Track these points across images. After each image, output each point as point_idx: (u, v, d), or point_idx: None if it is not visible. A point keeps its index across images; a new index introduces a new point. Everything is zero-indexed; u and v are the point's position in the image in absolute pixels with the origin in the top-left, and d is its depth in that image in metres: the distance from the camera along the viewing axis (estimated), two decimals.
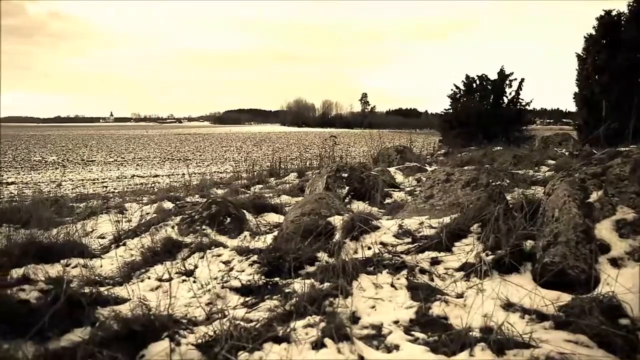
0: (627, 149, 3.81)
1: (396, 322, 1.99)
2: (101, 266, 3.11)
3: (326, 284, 2.24)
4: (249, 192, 6.60)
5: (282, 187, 6.94)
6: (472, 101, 17.21)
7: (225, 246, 3.23)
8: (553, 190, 2.71)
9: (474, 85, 17.51)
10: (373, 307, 2.12)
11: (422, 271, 2.47)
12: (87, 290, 2.23)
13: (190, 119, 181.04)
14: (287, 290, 2.31)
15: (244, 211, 4.15)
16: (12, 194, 9.10)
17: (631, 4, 12.35)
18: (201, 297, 2.36)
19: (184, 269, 2.87)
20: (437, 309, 2.08)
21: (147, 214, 4.75)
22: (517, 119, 16.83)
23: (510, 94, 17.03)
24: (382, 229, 3.01)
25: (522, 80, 16.90)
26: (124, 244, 3.64)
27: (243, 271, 2.66)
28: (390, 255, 2.63)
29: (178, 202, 5.15)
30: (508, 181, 4.78)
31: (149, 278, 2.80)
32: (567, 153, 8.96)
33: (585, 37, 13.26)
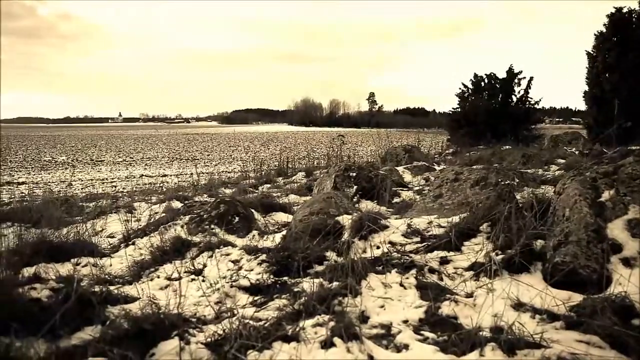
0: (639, 147, 3.77)
1: (405, 322, 1.99)
2: (111, 265, 3.13)
3: (335, 283, 2.24)
4: (257, 191, 6.61)
5: (290, 187, 6.95)
6: (481, 100, 17.10)
7: (234, 245, 3.24)
8: (564, 189, 2.69)
9: (483, 84, 17.40)
10: (382, 306, 2.12)
11: (431, 270, 2.46)
12: (97, 289, 2.24)
13: (198, 119, 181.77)
14: (295, 290, 2.31)
15: (252, 210, 4.16)
16: (23, 194, 9.19)
17: None
18: (210, 296, 2.37)
19: (193, 268, 2.88)
20: (446, 308, 2.07)
21: (156, 213, 4.77)
22: (526, 118, 16.71)
23: (519, 92, 16.92)
24: (391, 228, 3.00)
25: (531, 78, 16.78)
26: (133, 243, 3.66)
27: (252, 270, 2.66)
28: (399, 255, 2.62)
29: (186, 202, 5.16)
30: (517, 180, 4.75)
31: (158, 277, 2.82)
32: (577, 152, 8.89)
33: (595, 34, 13.13)
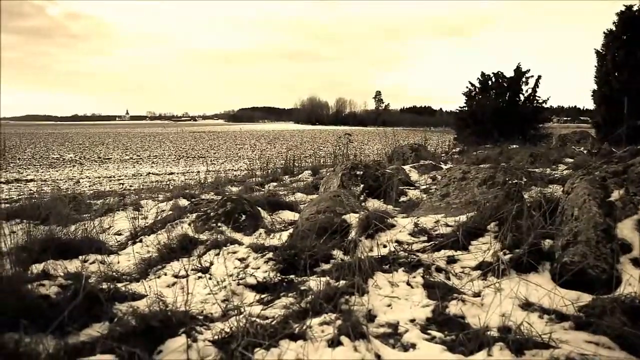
0: None
1: (412, 321, 1.98)
2: (118, 262, 3.15)
3: (342, 282, 2.24)
4: (263, 189, 6.62)
5: (296, 185, 6.95)
6: (488, 99, 17.04)
7: (240, 243, 3.24)
8: (572, 188, 2.67)
9: (490, 82, 17.33)
10: (389, 305, 2.11)
11: (439, 270, 2.45)
12: (105, 286, 2.25)
13: (204, 117, 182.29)
14: (302, 288, 2.30)
15: (259, 209, 4.16)
16: (32, 191, 9.27)
17: None
18: (217, 293, 2.37)
19: (199, 265, 2.89)
20: (454, 307, 2.06)
21: (163, 211, 4.80)
22: (534, 117, 16.62)
23: (526, 91, 16.82)
24: (398, 227, 2.99)
25: (539, 77, 16.69)
26: (141, 241, 3.68)
27: (258, 268, 2.67)
28: (406, 254, 2.61)
29: (193, 200, 5.18)
30: (525, 180, 4.73)
31: (165, 274, 2.83)
32: (585, 151, 8.82)
33: (605, 33, 13.03)
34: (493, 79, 17.31)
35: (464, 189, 3.65)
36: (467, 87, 17.82)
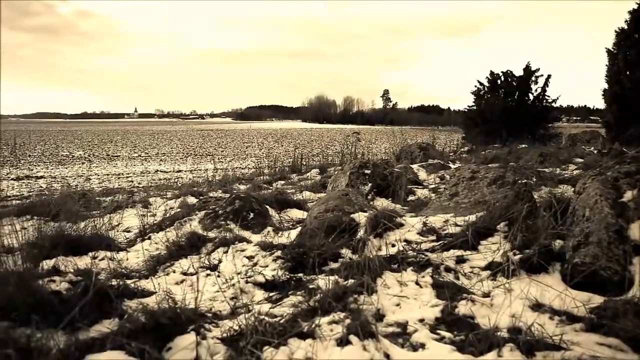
0: None
1: (421, 321, 1.97)
2: (127, 259, 3.16)
3: (350, 281, 2.23)
4: (271, 187, 6.63)
5: (304, 183, 6.95)
6: (497, 98, 16.93)
7: (249, 241, 3.25)
8: (584, 189, 2.64)
9: (499, 81, 17.21)
10: (398, 304, 2.10)
11: (448, 269, 2.44)
12: (114, 282, 2.27)
13: (212, 115, 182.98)
14: (311, 286, 2.30)
15: (267, 207, 4.17)
16: (42, 188, 9.35)
17: None
18: (225, 291, 2.38)
19: (208, 263, 2.90)
20: (463, 308, 2.05)
21: (171, 208, 4.81)
22: (543, 117, 16.49)
23: (536, 90, 16.68)
24: (406, 226, 2.98)
25: (549, 76, 16.56)
26: (149, 238, 3.69)
27: (267, 266, 2.67)
28: (415, 253, 2.60)
29: (201, 197, 5.19)
30: (535, 179, 4.69)
31: (174, 272, 2.84)
32: (595, 151, 8.74)
33: (616, 31, 12.88)
34: (502, 78, 17.19)
35: (473, 189, 3.62)
36: (475, 86, 17.73)
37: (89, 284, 1.98)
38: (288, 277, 2.49)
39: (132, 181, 12.82)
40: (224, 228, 3.58)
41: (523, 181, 3.47)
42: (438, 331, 1.88)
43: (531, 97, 16.78)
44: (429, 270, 2.41)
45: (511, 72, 17.05)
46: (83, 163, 19.39)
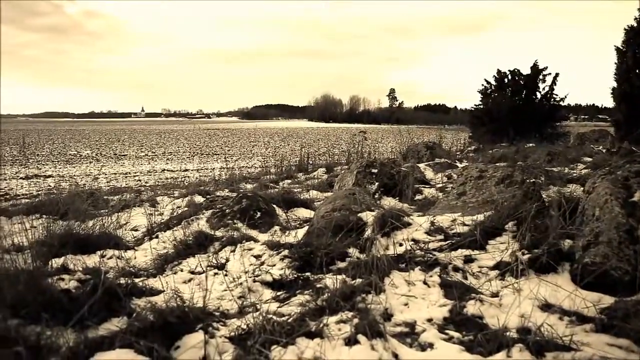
0: None
1: (430, 320, 1.96)
2: (135, 258, 3.18)
3: (358, 280, 2.23)
4: (277, 187, 6.63)
5: (310, 183, 6.94)
6: (504, 96, 16.79)
7: (256, 240, 3.25)
8: (594, 188, 2.61)
9: (506, 80, 17.07)
10: (406, 304, 2.10)
11: (456, 269, 2.42)
12: (122, 281, 2.28)
13: (218, 114, 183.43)
14: (318, 286, 2.30)
15: (274, 206, 4.17)
16: (50, 187, 9.42)
17: None
18: (233, 290, 2.38)
19: (215, 262, 2.90)
20: (471, 307, 2.04)
21: (178, 207, 4.83)
22: (551, 115, 16.35)
23: (543, 89, 16.55)
24: (414, 225, 2.97)
25: (557, 75, 16.38)
26: (157, 237, 3.70)
27: (274, 265, 2.67)
28: (423, 253, 2.59)
29: (208, 196, 5.21)
30: (543, 179, 4.66)
31: (181, 270, 2.85)
32: (604, 150, 8.66)
33: (625, 29, 12.74)
34: (509, 77, 17.05)
35: (481, 188, 3.60)
36: (482, 84, 17.60)
37: (98, 282, 1.99)
38: (295, 276, 2.49)
39: (139, 180, 12.89)
40: (231, 227, 3.58)
41: (531, 180, 3.45)
42: (446, 331, 1.87)
43: (539, 95, 16.63)
44: (437, 269, 2.40)
45: (518, 70, 16.91)
46: (91, 162, 19.52)
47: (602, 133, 11.87)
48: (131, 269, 2.84)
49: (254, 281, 2.46)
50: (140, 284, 2.39)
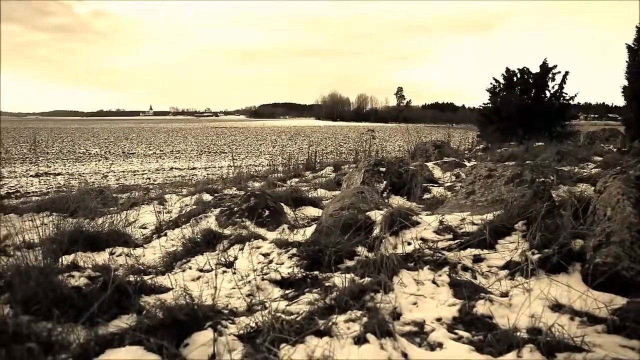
0: None
1: (439, 320, 1.95)
2: (144, 255, 3.19)
3: (367, 279, 2.22)
4: (285, 185, 6.63)
5: (318, 181, 6.94)
6: (513, 95, 16.67)
7: (264, 238, 3.25)
8: (605, 187, 2.58)
9: (515, 78, 16.95)
10: (415, 303, 2.09)
11: (465, 268, 2.41)
12: (132, 278, 2.29)
13: (226, 113, 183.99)
14: (327, 284, 2.29)
15: (282, 204, 4.17)
16: (60, 184, 9.50)
17: None
18: (242, 288, 2.39)
19: (224, 260, 2.91)
20: (481, 307, 2.02)
21: (187, 205, 4.84)
22: (560, 114, 16.21)
23: (553, 87, 16.40)
24: (422, 224, 2.96)
25: (567, 73, 16.23)
26: (165, 234, 3.72)
27: (282, 264, 2.67)
28: (432, 252, 2.58)
29: (216, 195, 5.22)
30: (553, 178, 4.62)
31: (190, 268, 2.85)
32: (615, 149, 8.58)
33: (637, 27, 12.59)
34: (518, 75, 16.92)
35: (490, 187, 3.58)
36: (491, 83, 17.47)
37: (108, 279, 2.00)
38: (304, 274, 2.49)
39: (147, 178, 12.95)
40: (239, 225, 3.59)
41: (541, 179, 3.42)
42: (456, 331, 1.86)
43: (548, 94, 16.50)
44: (446, 269, 2.39)
45: (527, 69, 16.78)
46: (100, 160, 19.65)
47: (612, 132, 11.76)
48: (140, 266, 2.86)
49: (263, 279, 2.46)
50: (149, 281, 2.40)
